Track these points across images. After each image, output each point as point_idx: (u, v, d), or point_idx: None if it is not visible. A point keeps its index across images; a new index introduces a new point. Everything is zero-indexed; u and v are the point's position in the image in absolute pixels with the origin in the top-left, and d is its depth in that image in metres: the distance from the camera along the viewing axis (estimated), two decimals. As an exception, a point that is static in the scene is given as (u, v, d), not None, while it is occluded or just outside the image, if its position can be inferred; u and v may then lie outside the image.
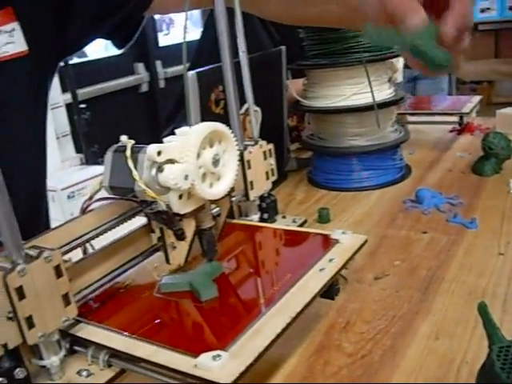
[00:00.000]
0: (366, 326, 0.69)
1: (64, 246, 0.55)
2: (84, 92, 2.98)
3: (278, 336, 0.53)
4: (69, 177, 2.46)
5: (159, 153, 0.57)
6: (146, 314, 0.61)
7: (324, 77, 1.11)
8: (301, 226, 0.79)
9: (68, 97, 2.80)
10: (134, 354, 0.53)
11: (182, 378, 0.51)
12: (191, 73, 0.87)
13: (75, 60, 3.16)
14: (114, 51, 3.57)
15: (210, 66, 0.89)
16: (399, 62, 1.26)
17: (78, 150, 2.84)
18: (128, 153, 0.59)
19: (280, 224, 0.78)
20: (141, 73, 3.62)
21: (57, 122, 2.66)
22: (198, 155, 0.59)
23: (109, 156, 0.62)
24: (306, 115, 1.30)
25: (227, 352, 0.50)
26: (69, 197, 2.37)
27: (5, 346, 0.48)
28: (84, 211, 0.63)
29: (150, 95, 3.68)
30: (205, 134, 0.59)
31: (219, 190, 0.63)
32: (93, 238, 0.60)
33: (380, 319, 0.69)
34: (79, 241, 0.59)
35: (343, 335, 0.67)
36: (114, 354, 0.54)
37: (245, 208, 0.78)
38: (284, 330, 0.54)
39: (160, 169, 0.58)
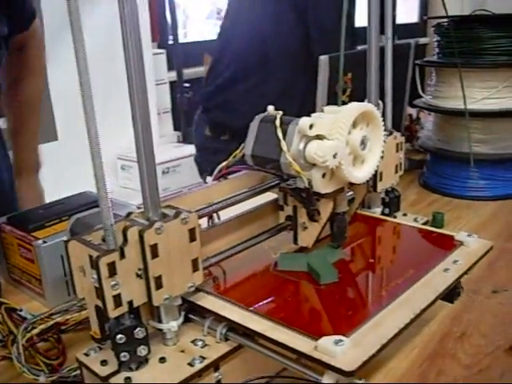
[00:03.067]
0: (483, 339, 0.65)
1: (198, 210, 0.54)
2: (189, 72, 3.01)
3: (401, 330, 0.50)
4: (165, 153, 2.50)
5: (311, 126, 0.55)
6: (262, 289, 0.59)
7: (454, 77, 1.06)
8: (423, 225, 0.76)
9: (173, 75, 2.84)
10: (249, 327, 0.51)
11: (298, 359, 0.49)
12: (324, 57, 0.85)
13: (184, 40, 3.19)
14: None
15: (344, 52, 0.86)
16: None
17: (176, 127, 2.87)
18: (277, 123, 0.57)
19: (401, 221, 0.75)
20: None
21: (159, 98, 2.70)
22: (348, 134, 0.57)
23: (255, 124, 0.60)
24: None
25: (349, 338, 0.47)
26: (164, 172, 2.41)
27: (130, 303, 0.48)
28: (218, 178, 0.61)
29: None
30: (357, 112, 0.57)
31: (363, 173, 0.60)
32: (225, 207, 0.59)
33: (499, 334, 0.66)
34: (212, 208, 0.58)
35: (459, 345, 0.64)
36: (232, 327, 0.53)
37: (368, 199, 0.75)
38: (407, 325, 0.51)
39: (308, 143, 0.56)
